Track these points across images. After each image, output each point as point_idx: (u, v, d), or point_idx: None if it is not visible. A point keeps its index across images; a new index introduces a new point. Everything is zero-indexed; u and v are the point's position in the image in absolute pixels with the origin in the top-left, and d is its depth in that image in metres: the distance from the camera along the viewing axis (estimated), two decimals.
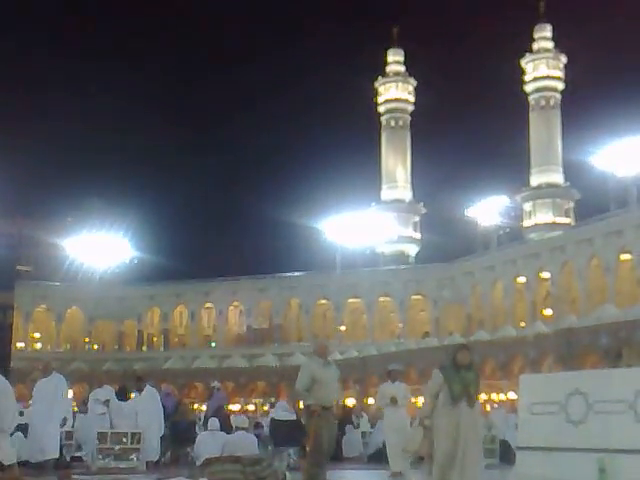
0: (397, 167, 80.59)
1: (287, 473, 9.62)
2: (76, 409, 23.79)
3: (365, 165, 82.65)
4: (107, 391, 14.45)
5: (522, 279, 55.20)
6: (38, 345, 64.77)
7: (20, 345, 58.12)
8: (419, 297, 62.19)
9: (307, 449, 9.06)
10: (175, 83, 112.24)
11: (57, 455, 12.72)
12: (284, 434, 15.91)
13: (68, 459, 14.54)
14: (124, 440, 13.67)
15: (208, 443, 13.26)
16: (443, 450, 7.34)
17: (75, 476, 11.37)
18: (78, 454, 15.26)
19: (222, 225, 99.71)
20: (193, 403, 41.24)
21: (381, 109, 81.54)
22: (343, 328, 62.94)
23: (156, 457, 14.05)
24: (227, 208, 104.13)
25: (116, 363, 60.53)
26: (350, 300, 63.30)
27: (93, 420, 14.07)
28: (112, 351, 65.11)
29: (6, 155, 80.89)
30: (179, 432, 15.04)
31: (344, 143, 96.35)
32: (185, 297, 65.97)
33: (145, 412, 13.97)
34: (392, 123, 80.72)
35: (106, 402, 14.22)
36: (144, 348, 66.22)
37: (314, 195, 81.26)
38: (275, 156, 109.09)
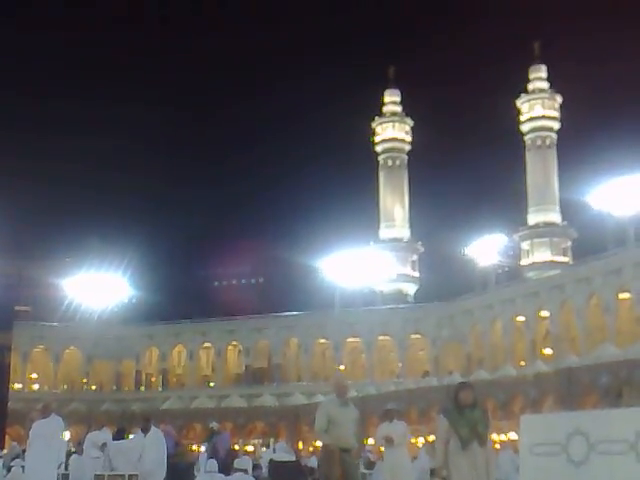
0: (395, 206, 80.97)
1: None
2: (73, 450, 23.75)
3: (363, 204, 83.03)
4: (104, 434, 14.44)
5: (521, 318, 55.14)
6: (36, 386, 64.36)
7: (18, 386, 57.77)
8: (418, 336, 62.01)
9: None
10: (172, 121, 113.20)
11: None
12: (283, 475, 15.97)
13: None
14: None
15: None
16: None
17: None
18: None
19: (221, 262, 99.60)
20: (191, 444, 40.90)
21: (378, 149, 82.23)
22: (342, 367, 62.59)
23: None
24: (224, 243, 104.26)
25: (114, 404, 60.10)
26: (349, 339, 63.09)
27: (87, 463, 14.04)
28: (110, 391, 64.67)
29: (5, 195, 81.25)
30: (178, 474, 14.93)
31: (343, 182, 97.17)
32: (183, 337, 65.77)
33: (152, 453, 13.95)
34: (389, 162, 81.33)
35: (102, 446, 14.19)
36: (142, 388, 65.81)
37: (312, 233, 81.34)
38: (274, 194, 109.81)
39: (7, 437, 38.18)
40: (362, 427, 47.92)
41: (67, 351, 64.57)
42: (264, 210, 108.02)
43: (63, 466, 14.55)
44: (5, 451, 24.39)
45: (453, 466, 7.18)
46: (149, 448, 13.92)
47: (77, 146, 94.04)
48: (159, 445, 14.30)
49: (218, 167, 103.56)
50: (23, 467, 13.96)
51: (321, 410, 8.93)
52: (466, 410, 7.32)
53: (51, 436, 12.16)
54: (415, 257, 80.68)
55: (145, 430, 14.21)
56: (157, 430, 14.49)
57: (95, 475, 13.40)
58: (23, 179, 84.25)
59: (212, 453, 18.21)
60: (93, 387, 65.52)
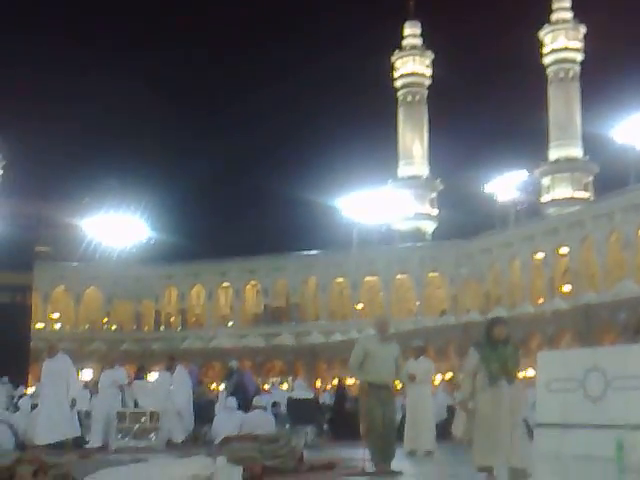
0: (414, 143, 79.91)
1: (305, 451, 9.37)
2: (92, 388, 23.95)
3: (382, 142, 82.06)
4: (118, 372, 14.39)
5: (540, 255, 54.64)
6: (57, 325, 65.12)
7: (40, 326, 58.38)
8: (436, 274, 61.80)
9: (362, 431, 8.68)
10: (191, 63, 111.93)
11: (73, 435, 12.81)
12: (301, 413, 16.03)
13: (87, 439, 14.65)
14: (143, 420, 13.76)
15: (226, 422, 13.44)
16: (485, 433, 6.93)
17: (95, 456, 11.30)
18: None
19: (239, 204, 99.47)
20: (211, 382, 41.32)
21: (398, 84, 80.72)
22: (360, 306, 62.73)
23: (184, 436, 13.97)
24: (244, 187, 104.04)
25: (134, 343, 60.80)
26: (367, 278, 62.98)
27: (106, 400, 14.02)
28: (130, 331, 65.31)
29: (24, 138, 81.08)
30: (198, 411, 15.13)
31: (361, 120, 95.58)
32: (202, 277, 65.98)
33: (179, 391, 13.96)
34: (409, 98, 79.93)
35: (123, 384, 14.21)
36: (162, 328, 66.40)
37: (331, 173, 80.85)
38: (291, 134, 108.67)
39: (30, 376, 38.79)
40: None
41: (87, 291, 65.07)
42: (282, 150, 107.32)
43: (78, 403, 14.69)
44: (29, 390, 24.61)
45: (478, 401, 7.06)
46: (177, 386, 13.92)
47: (95, 88, 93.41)
48: (186, 383, 14.33)
49: (237, 109, 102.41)
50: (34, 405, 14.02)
51: (358, 345, 8.78)
52: (499, 345, 7.09)
53: (59, 374, 12.20)
54: (434, 195, 79.94)
55: (171, 369, 14.17)
56: (182, 368, 14.50)
57: (117, 412, 13.56)
58: (41, 120, 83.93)
59: (232, 391, 18.40)
60: (113, 327, 66.18)
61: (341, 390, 20.22)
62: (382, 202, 65.57)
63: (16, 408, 17.37)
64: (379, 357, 8.60)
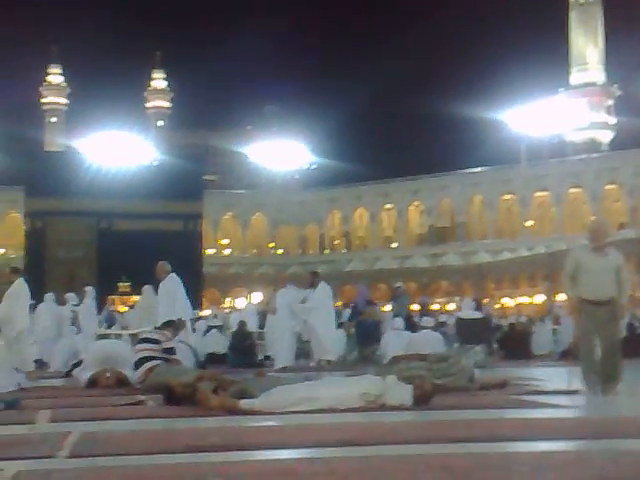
0: (588, 47, 74.58)
1: (475, 370, 8.78)
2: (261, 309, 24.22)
3: (552, 48, 77.09)
4: (290, 290, 14.13)
5: None
6: (227, 251, 67.35)
7: (210, 252, 60.50)
8: (613, 187, 58.09)
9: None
10: None
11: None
12: (470, 332, 15.88)
13: (262, 358, 15.05)
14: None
15: (393, 342, 13.32)
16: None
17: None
18: (269, 354, 15.49)
19: (401, 124, 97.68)
20: (378, 304, 41.10)
21: None
22: (530, 223, 60.37)
23: (333, 356, 13.53)
24: (406, 106, 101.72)
25: (300, 267, 61.82)
26: (537, 193, 60.33)
27: (281, 320, 13.72)
28: (296, 255, 66.48)
29: (189, 71, 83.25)
30: (365, 331, 15.11)
31: (528, 25, 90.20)
32: (365, 199, 65.71)
33: (320, 309, 13.55)
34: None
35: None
36: (326, 251, 67.09)
37: (496, 85, 77.02)
38: (454, 46, 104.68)
39: (204, 299, 40.22)
40: (552, 283, 46.17)
41: (254, 217, 66.61)
42: (443, 66, 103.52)
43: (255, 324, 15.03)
44: (207, 312, 25.20)
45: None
46: (318, 302, 13.48)
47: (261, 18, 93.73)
48: (327, 299, 13.92)
49: (400, 28, 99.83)
50: None
51: (569, 257, 7.80)
52: None
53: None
54: (611, 102, 74.85)
55: (313, 286, 13.81)
56: (325, 285, 14.12)
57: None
58: (204, 53, 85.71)
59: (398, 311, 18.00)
60: (279, 251, 67.58)
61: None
62: (553, 113, 61.93)
63: (193, 330, 17.66)
64: (593, 270, 7.53)
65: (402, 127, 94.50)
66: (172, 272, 12.71)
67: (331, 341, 13.63)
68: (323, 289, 13.71)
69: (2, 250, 62.31)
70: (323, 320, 13.43)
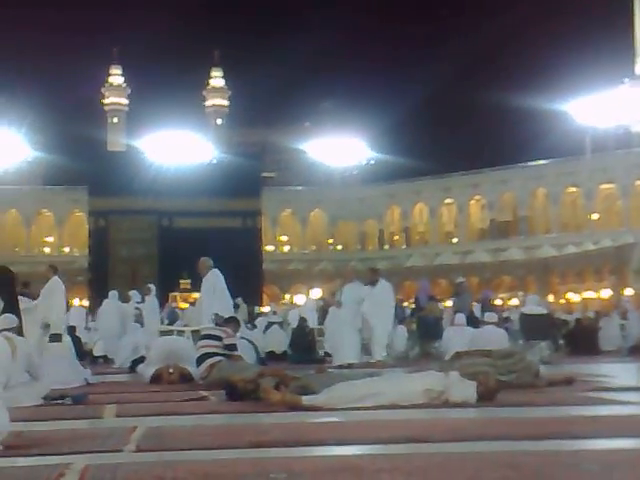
0: None
1: (541, 367, 8.71)
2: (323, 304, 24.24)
3: (616, 37, 74.90)
4: (357, 285, 14.09)
5: None
6: (286, 248, 67.68)
7: (270, 248, 60.88)
8: None
9: None
10: None
11: None
12: (535, 328, 15.45)
13: (322, 354, 15.14)
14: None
15: (455, 338, 13.13)
16: None
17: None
18: (329, 350, 15.50)
19: (461, 117, 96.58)
20: (439, 300, 40.74)
21: None
22: (595, 216, 59.02)
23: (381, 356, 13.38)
24: (465, 100, 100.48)
25: (360, 262, 61.68)
26: (602, 186, 58.94)
27: (346, 315, 13.68)
28: (355, 251, 66.40)
29: (244, 66, 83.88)
30: (427, 327, 15.11)
31: (592, 14, 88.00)
32: (424, 194, 65.23)
33: (379, 305, 13.45)
34: None
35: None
36: (386, 247, 66.84)
37: (559, 76, 75.38)
38: (516, 37, 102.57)
39: (264, 296, 40.48)
40: (619, 277, 45.09)
41: (312, 213, 66.76)
42: (505, 56, 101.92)
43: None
44: (266, 309, 25.34)
45: None
46: (377, 299, 13.39)
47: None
48: (388, 296, 13.82)
49: (455, 20, 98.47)
50: None
51: (636, 251, 7.50)
52: None
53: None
54: None
55: (373, 283, 13.72)
56: (385, 282, 14.03)
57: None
58: (261, 51, 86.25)
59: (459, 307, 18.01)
60: (339, 247, 67.59)
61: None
62: (618, 103, 60.30)
63: (254, 326, 17.80)
64: None
65: (462, 120, 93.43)
66: (214, 267, 12.81)
67: (385, 340, 13.51)
68: (383, 287, 13.61)
69: (67, 249, 63.85)
70: (381, 319, 13.33)
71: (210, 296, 12.54)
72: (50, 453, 4.25)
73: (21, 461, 4.08)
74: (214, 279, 12.69)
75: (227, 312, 12.65)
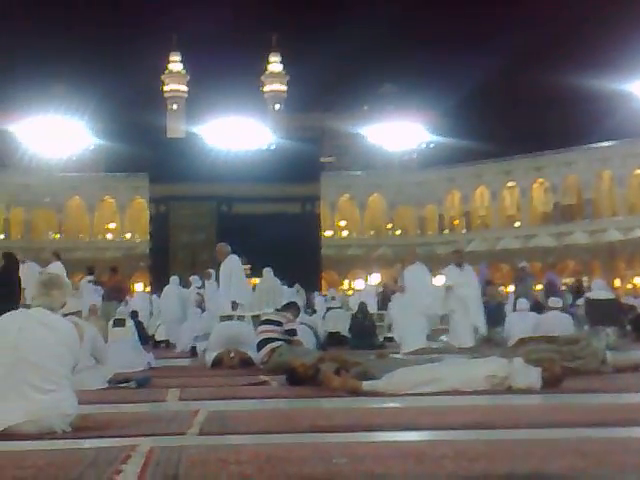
0: None
1: (607, 353, 8.44)
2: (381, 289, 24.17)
3: None
4: (420, 267, 13.96)
5: None
6: (344, 233, 67.63)
7: (328, 233, 60.90)
8: None
9: None
10: None
11: None
12: (601, 313, 15.04)
13: (382, 340, 15.00)
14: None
15: (518, 324, 12.88)
16: None
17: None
18: (390, 335, 15.58)
19: (523, 98, 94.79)
20: (498, 285, 40.23)
21: None
22: None
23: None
24: (528, 80, 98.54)
25: (419, 248, 61.27)
26: None
27: (411, 299, 13.54)
28: (414, 236, 65.91)
29: (303, 52, 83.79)
30: (488, 313, 14.68)
31: None
32: (486, 177, 64.27)
33: (470, 287, 13.33)
34: None
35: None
36: (446, 231, 66.21)
37: (625, 55, 73.31)
38: (579, 16, 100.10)
39: (323, 281, 40.58)
40: None
41: (371, 198, 66.46)
42: (568, 36, 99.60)
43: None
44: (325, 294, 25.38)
45: None
46: (466, 278, 13.31)
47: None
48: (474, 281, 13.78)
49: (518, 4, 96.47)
50: None
51: None
52: None
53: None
54: None
55: (459, 265, 13.60)
56: (469, 266, 13.94)
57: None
58: (317, 32, 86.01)
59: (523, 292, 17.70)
60: (398, 232, 67.20)
61: None
62: None
63: (313, 311, 17.85)
64: None
65: (523, 101, 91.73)
66: (232, 253, 12.88)
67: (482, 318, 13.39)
68: (470, 268, 13.39)
69: (129, 235, 65.06)
70: (474, 300, 13.19)
71: (227, 282, 12.57)
72: (116, 435, 4.34)
73: (89, 442, 4.17)
74: (231, 265, 12.76)
75: (244, 298, 12.72)
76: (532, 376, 6.29)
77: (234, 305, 12.49)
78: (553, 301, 13.74)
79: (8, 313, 4.65)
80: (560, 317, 12.69)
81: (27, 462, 3.52)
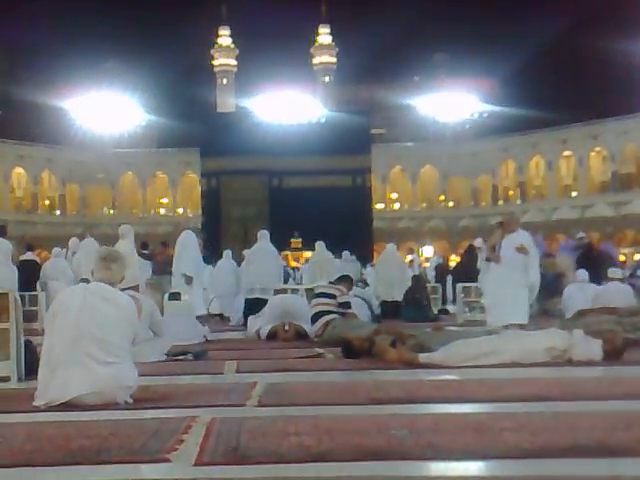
0: None
1: None
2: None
3: None
4: (522, 235, 13.76)
5: None
6: (396, 205, 67.23)
7: (379, 206, 60.61)
8: None
9: None
10: None
11: None
12: None
13: (436, 312, 15.16)
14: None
15: (577, 295, 12.49)
16: None
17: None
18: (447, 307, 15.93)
19: (579, 65, 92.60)
20: (554, 255, 39.63)
21: None
22: None
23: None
24: (584, 47, 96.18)
25: (472, 219, 60.58)
26: None
27: (507, 271, 13.31)
28: (467, 207, 65.17)
29: (353, 23, 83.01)
30: (545, 284, 14.34)
31: None
32: (541, 147, 63.02)
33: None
34: None
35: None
36: (500, 202, 65.26)
37: None
38: None
39: (375, 254, 40.56)
40: None
41: (423, 170, 65.79)
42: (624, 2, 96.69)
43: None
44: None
45: None
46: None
47: None
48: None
49: None
50: None
51: None
52: None
53: None
54: None
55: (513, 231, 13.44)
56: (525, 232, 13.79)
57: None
58: (369, 7, 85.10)
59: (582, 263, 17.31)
60: (450, 204, 66.53)
61: None
62: None
63: (366, 284, 17.85)
64: None
65: (581, 68, 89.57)
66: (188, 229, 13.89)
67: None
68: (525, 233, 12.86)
69: (181, 210, 65.80)
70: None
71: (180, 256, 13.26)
72: (177, 406, 4.40)
73: (150, 413, 4.24)
74: (186, 239, 13.41)
75: (195, 273, 13.18)
76: (593, 348, 6.19)
77: (187, 278, 12.74)
78: (613, 272, 13.35)
79: (69, 288, 4.74)
80: (621, 288, 12.36)
81: (92, 432, 3.60)
